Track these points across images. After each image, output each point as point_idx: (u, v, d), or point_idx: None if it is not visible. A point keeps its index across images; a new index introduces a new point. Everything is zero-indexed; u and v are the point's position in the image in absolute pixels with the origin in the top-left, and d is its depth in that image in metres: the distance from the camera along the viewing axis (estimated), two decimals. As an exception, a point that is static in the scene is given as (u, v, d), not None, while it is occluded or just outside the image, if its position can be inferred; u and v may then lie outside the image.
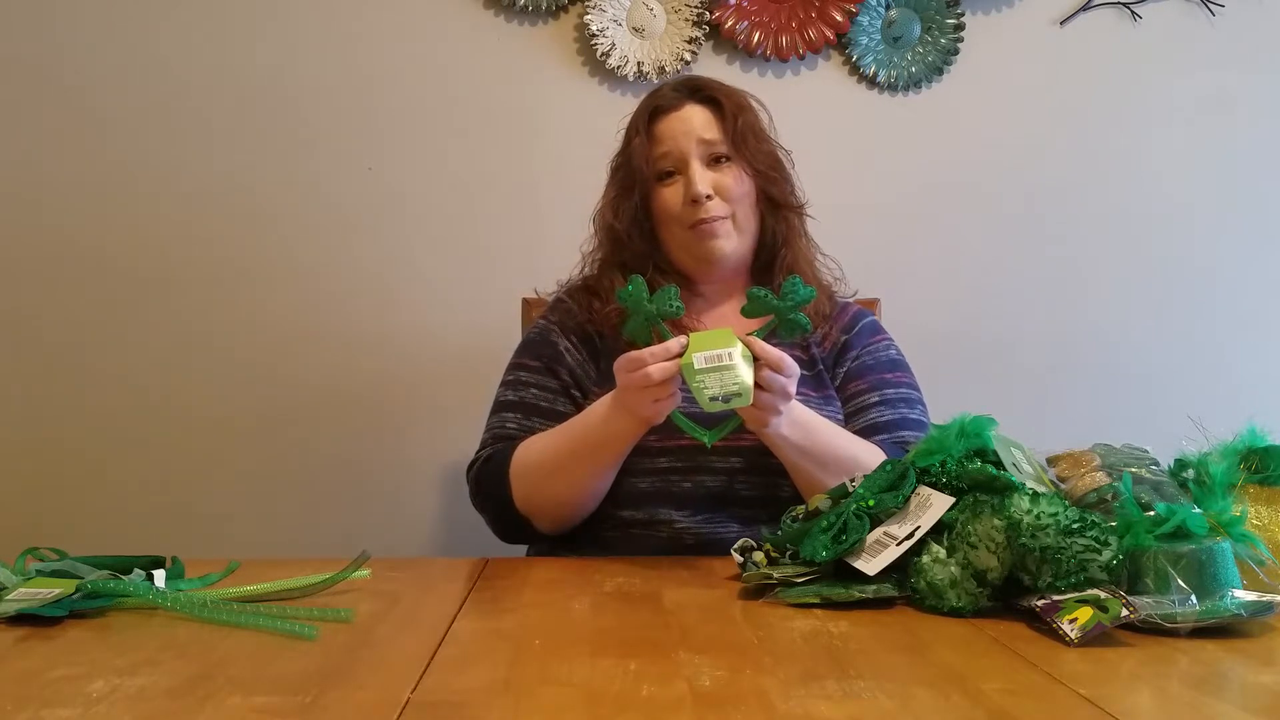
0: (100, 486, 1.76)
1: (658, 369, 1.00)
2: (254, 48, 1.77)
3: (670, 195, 1.24)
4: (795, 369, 1.04)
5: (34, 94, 1.76)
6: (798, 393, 1.23)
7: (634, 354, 1.02)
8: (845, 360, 1.29)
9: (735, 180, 1.24)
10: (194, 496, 1.77)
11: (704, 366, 0.97)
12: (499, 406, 1.26)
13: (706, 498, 1.18)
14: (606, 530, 1.20)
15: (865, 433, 1.21)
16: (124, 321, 1.77)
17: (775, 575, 0.89)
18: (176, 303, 1.77)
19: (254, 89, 1.77)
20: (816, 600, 0.85)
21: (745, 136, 1.25)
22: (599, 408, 1.12)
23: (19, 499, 1.76)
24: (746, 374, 0.97)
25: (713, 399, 0.97)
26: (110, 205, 1.76)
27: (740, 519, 1.17)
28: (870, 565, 0.85)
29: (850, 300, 1.37)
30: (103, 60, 1.76)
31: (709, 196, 1.21)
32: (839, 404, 1.26)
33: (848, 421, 1.24)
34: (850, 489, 0.93)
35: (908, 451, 1.17)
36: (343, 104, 1.77)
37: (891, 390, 1.26)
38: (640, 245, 1.26)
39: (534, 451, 1.16)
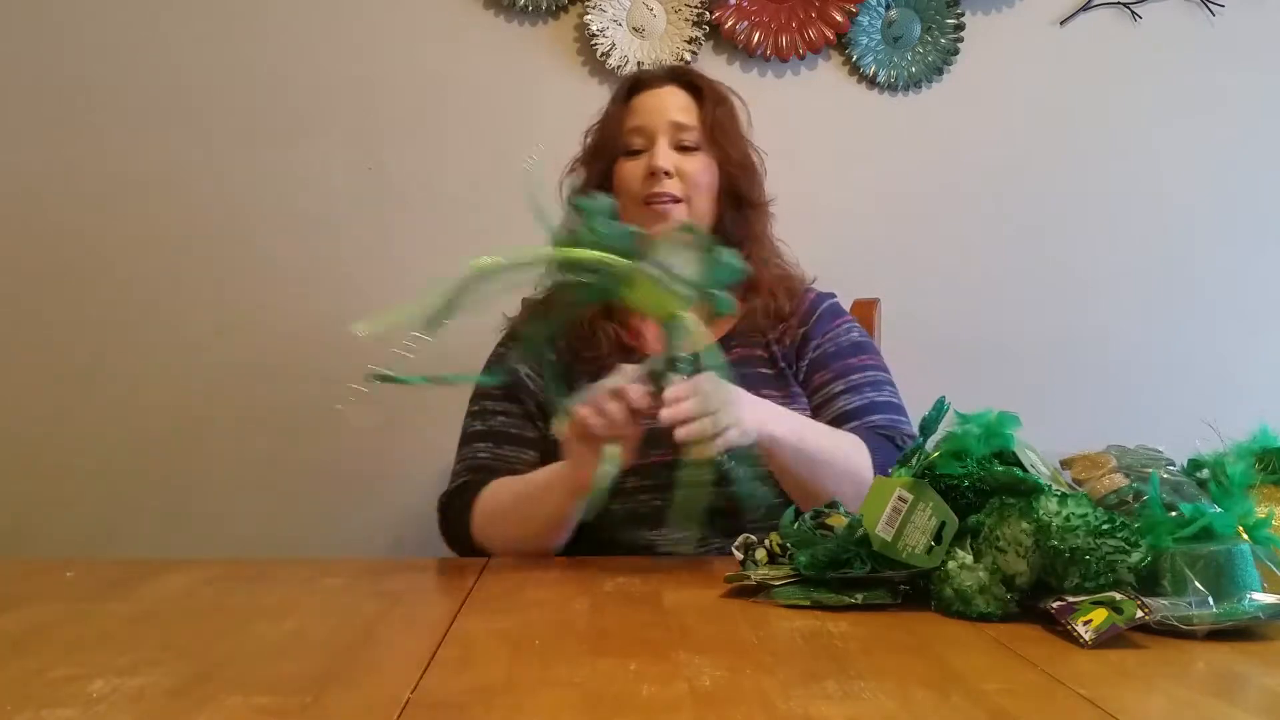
0: (97, 486, 1.76)
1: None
2: (254, 47, 1.77)
3: (631, 169, 1.24)
4: (706, 380, 0.97)
5: (34, 94, 1.76)
6: (761, 394, 1.22)
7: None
8: (807, 352, 1.26)
9: (699, 168, 1.23)
10: (193, 496, 1.77)
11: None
12: (468, 438, 1.25)
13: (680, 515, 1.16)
14: (587, 551, 1.19)
15: (835, 422, 1.19)
16: (122, 320, 1.77)
17: (754, 578, 0.89)
18: (175, 302, 1.77)
19: (253, 88, 1.77)
20: (807, 603, 0.85)
21: (721, 127, 1.24)
22: (547, 474, 1.11)
23: (17, 499, 1.76)
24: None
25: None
26: (110, 205, 1.76)
27: (720, 531, 1.14)
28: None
29: (810, 286, 1.34)
30: (103, 60, 1.76)
31: (668, 174, 1.21)
32: (805, 400, 1.24)
33: (816, 413, 1.22)
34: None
35: (887, 437, 1.16)
36: (343, 104, 1.77)
37: (857, 375, 1.24)
38: None
39: (498, 501, 1.15)
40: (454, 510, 1.19)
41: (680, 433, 0.93)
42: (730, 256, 0.97)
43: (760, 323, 1.27)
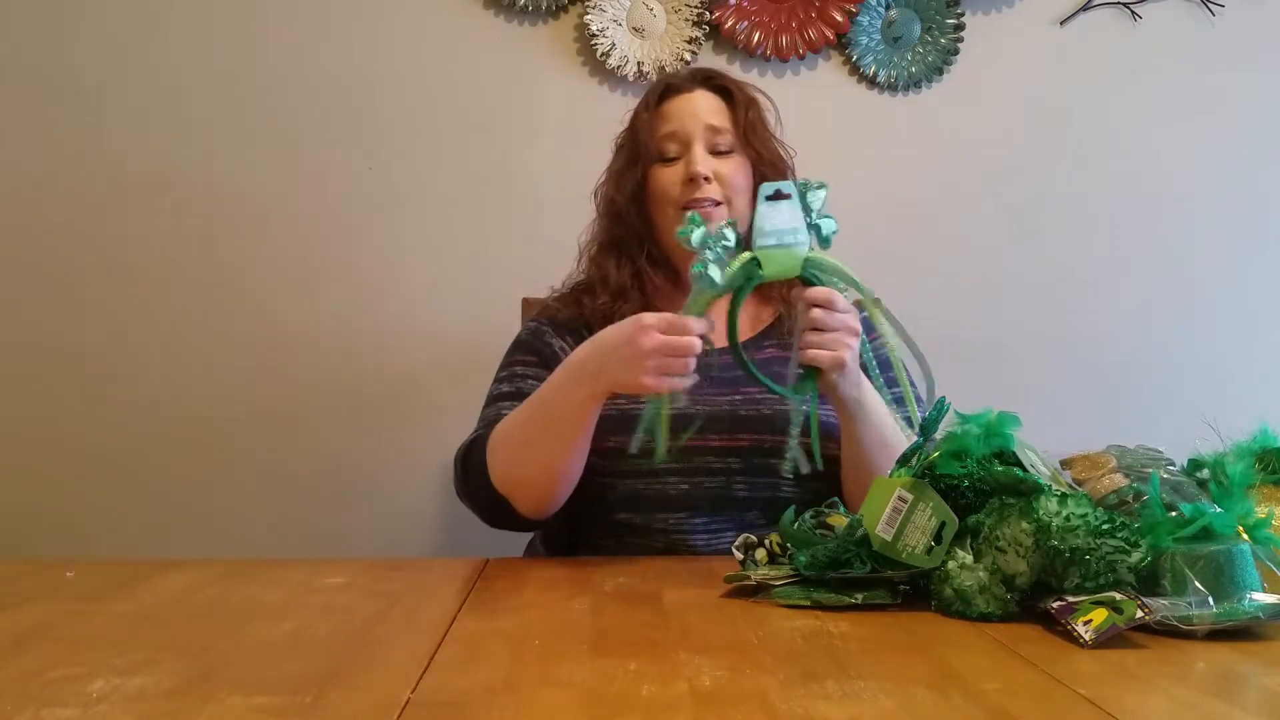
0: (98, 486, 1.76)
1: (691, 326, 0.98)
2: (254, 48, 1.77)
3: (668, 175, 1.23)
4: (846, 304, 1.04)
5: (34, 94, 1.76)
6: None
7: (689, 320, 0.99)
8: None
9: (736, 171, 1.23)
10: (192, 496, 1.77)
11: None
12: (494, 398, 1.24)
13: (704, 500, 1.17)
14: (600, 538, 1.19)
15: None
16: (123, 321, 1.77)
17: (754, 578, 0.89)
18: (176, 302, 1.77)
19: (254, 89, 1.77)
20: (808, 603, 0.85)
21: (754, 128, 1.25)
22: (557, 378, 1.08)
23: (17, 499, 1.76)
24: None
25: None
26: (110, 205, 1.76)
27: (741, 524, 1.15)
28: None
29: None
30: (103, 60, 1.76)
31: (707, 179, 1.21)
32: (833, 408, 1.25)
33: None
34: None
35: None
36: (343, 104, 1.77)
37: (898, 389, 1.26)
38: (636, 223, 1.26)
39: (504, 430, 1.13)
40: (473, 456, 1.16)
41: (813, 338, 1.02)
42: (803, 184, 1.02)
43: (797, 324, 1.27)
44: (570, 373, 1.07)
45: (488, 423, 1.20)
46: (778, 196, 1.00)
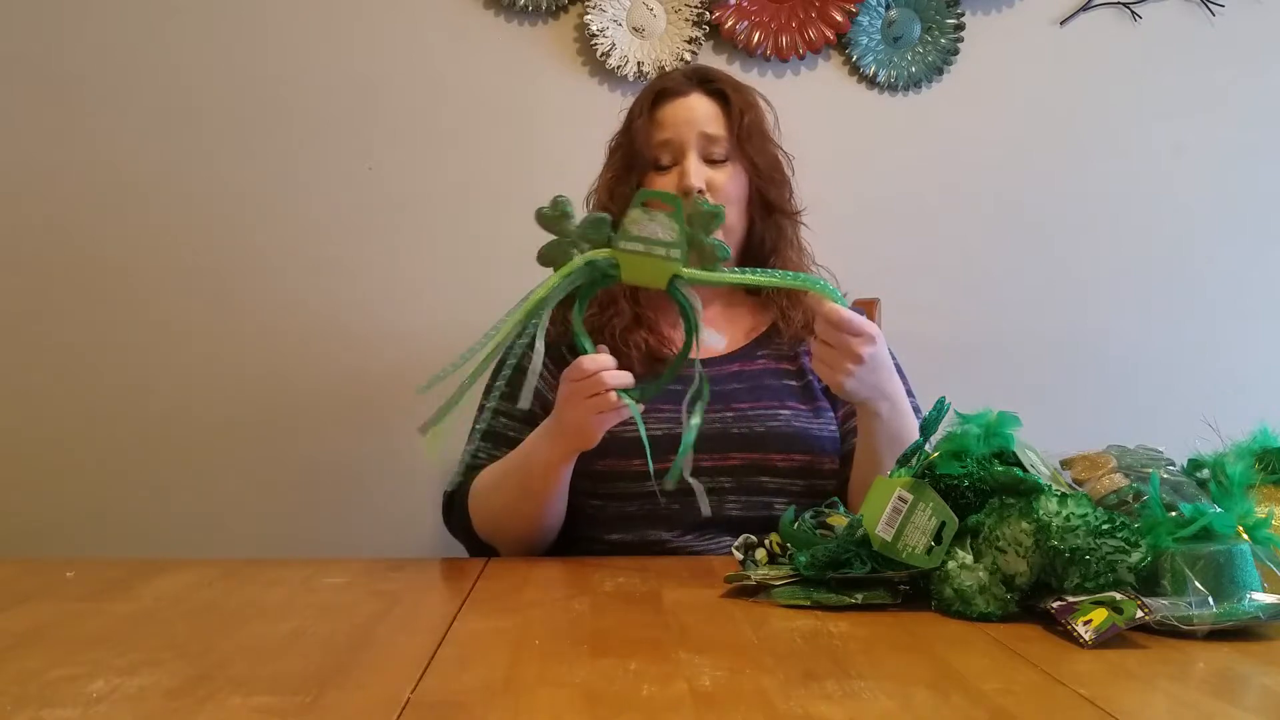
0: (97, 487, 1.76)
1: (610, 376, 0.99)
2: (254, 47, 1.77)
3: (661, 184, 1.22)
4: (868, 329, 1.02)
5: (34, 94, 1.76)
6: (786, 407, 1.22)
7: (581, 360, 1.02)
8: None
9: (730, 180, 1.22)
10: (192, 496, 1.77)
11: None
12: (473, 433, 1.24)
13: (696, 520, 1.16)
14: (597, 553, 1.20)
15: None
16: (123, 321, 1.77)
17: (754, 578, 0.89)
18: (176, 302, 1.77)
19: (254, 89, 1.77)
20: (808, 603, 0.85)
21: (750, 135, 1.23)
22: (532, 437, 1.11)
23: (17, 499, 1.76)
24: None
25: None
26: (109, 205, 1.76)
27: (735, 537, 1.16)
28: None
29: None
30: (103, 60, 1.76)
31: (700, 191, 1.20)
32: (831, 414, 1.25)
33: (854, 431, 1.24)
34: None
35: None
36: (343, 104, 1.77)
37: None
38: None
39: (483, 485, 1.17)
40: (456, 507, 1.20)
41: (819, 351, 1.02)
42: (703, 202, 0.99)
43: (795, 333, 1.27)
44: (539, 436, 1.10)
45: (467, 466, 1.21)
46: (656, 206, 0.98)
